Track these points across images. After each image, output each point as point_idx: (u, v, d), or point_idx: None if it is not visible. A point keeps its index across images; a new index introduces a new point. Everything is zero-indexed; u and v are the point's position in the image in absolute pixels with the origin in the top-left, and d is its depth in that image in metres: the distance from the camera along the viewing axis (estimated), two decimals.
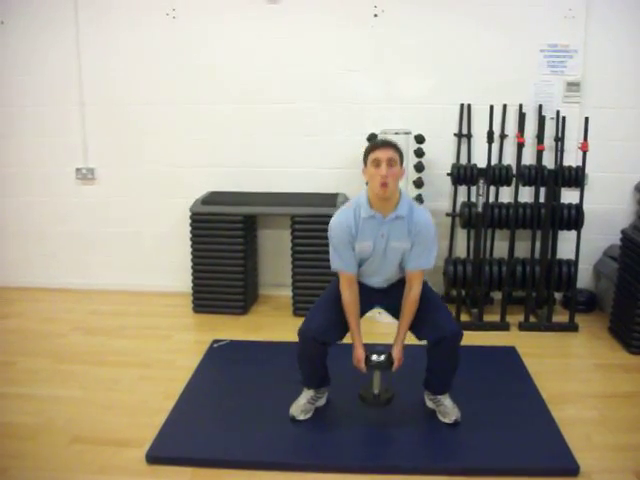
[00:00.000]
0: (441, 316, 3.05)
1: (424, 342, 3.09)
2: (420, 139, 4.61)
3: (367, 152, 2.92)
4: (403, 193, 2.99)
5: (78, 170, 5.07)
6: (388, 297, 3.18)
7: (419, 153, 4.61)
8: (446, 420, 3.13)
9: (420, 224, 2.95)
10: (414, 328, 3.10)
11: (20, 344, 4.20)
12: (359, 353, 3.05)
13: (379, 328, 4.06)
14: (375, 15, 4.64)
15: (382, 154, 2.84)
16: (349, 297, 3.03)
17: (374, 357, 3.04)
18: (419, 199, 4.55)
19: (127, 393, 3.53)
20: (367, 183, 2.96)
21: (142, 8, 4.76)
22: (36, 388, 3.58)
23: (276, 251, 5.05)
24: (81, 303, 4.96)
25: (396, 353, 3.04)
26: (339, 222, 2.98)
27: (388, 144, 2.91)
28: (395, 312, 3.15)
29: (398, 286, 3.11)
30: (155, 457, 2.88)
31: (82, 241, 5.19)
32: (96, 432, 3.12)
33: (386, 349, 3.06)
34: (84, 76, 4.91)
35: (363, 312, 3.17)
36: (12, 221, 5.22)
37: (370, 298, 3.17)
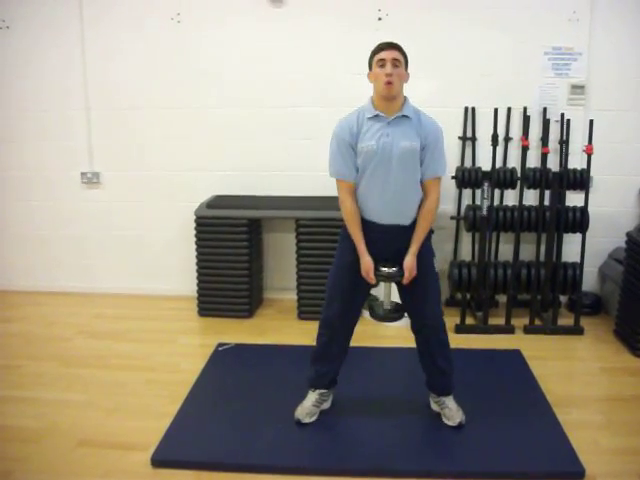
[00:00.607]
0: (425, 304, 3.05)
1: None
2: None
3: (372, 54, 2.91)
4: (408, 98, 2.95)
5: (83, 174, 5.08)
6: (396, 244, 2.98)
7: None
8: (450, 423, 3.12)
9: (429, 126, 2.91)
10: (403, 299, 3.11)
11: (24, 348, 4.20)
12: (367, 262, 2.96)
13: (386, 331, 4.06)
14: (379, 19, 4.64)
15: (387, 54, 2.83)
16: (350, 206, 2.96)
17: (384, 269, 2.96)
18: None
19: (132, 397, 3.53)
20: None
21: (147, 13, 4.78)
22: (41, 392, 3.58)
23: (281, 254, 5.05)
24: (85, 307, 4.97)
25: (407, 263, 2.95)
26: (341, 124, 2.95)
27: (393, 45, 2.89)
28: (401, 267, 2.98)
29: (406, 233, 2.97)
30: (160, 461, 2.88)
31: (87, 245, 5.21)
32: (101, 436, 3.12)
33: (397, 261, 2.96)
34: (89, 80, 4.93)
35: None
36: (17, 225, 5.23)
37: (377, 249, 2.99)
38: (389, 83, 2.81)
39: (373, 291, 3.21)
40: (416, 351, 3.17)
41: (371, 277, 2.98)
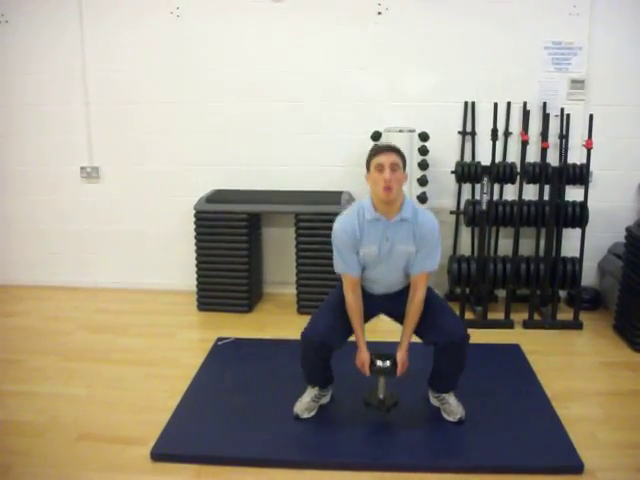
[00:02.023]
0: (448, 320, 3.05)
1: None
2: (424, 137, 4.61)
3: (370, 157, 2.91)
4: (406, 196, 2.98)
5: (83, 169, 5.08)
6: (392, 305, 3.15)
7: (423, 151, 4.60)
8: (450, 418, 3.13)
9: (424, 226, 2.94)
10: (421, 332, 3.08)
11: (26, 342, 4.21)
12: (363, 356, 3.05)
13: (383, 326, 4.06)
14: (379, 13, 4.63)
15: (385, 159, 2.83)
16: (353, 300, 3.02)
17: (379, 362, 3.04)
18: (423, 197, 4.54)
19: (132, 391, 3.54)
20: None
21: (146, 7, 4.77)
22: (42, 386, 3.59)
23: (280, 249, 5.05)
24: (86, 301, 4.98)
25: (400, 357, 3.04)
26: (343, 227, 2.96)
27: (391, 149, 2.91)
28: (400, 319, 3.13)
29: (402, 294, 3.09)
30: (160, 454, 2.90)
31: (87, 239, 5.21)
32: (101, 430, 3.13)
33: (391, 354, 3.06)
34: (88, 75, 4.92)
35: (366, 319, 3.15)
36: (17, 220, 5.24)
37: (374, 306, 3.15)
38: (388, 189, 2.82)
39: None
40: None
41: (365, 370, 3.06)
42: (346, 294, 3.03)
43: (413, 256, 2.97)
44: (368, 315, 3.15)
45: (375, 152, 2.90)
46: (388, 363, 3.03)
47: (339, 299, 3.08)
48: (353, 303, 3.02)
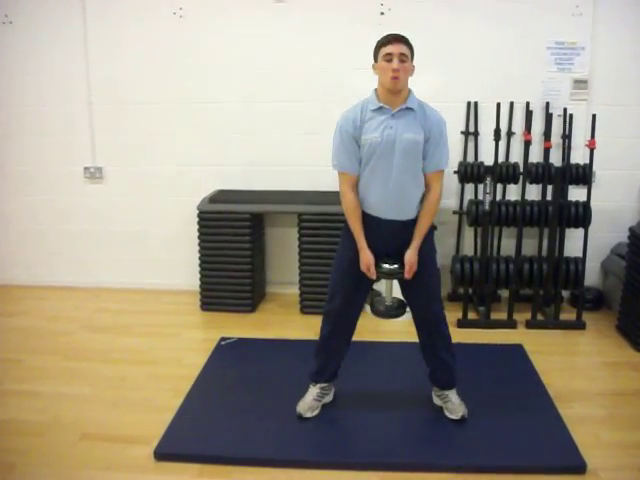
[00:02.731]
0: (429, 300, 3.06)
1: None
2: None
3: (378, 46, 2.87)
4: (412, 91, 2.93)
5: (86, 169, 5.09)
6: (398, 243, 2.97)
7: None
8: (453, 417, 3.13)
9: (432, 118, 2.89)
10: (404, 291, 3.11)
11: (27, 342, 4.21)
12: (367, 257, 2.95)
13: (386, 326, 4.06)
14: (382, 13, 4.64)
15: (394, 48, 2.80)
16: (351, 199, 2.94)
17: (386, 265, 2.93)
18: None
19: (135, 390, 3.54)
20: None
21: (149, 7, 4.78)
22: (43, 386, 3.59)
23: (283, 249, 5.05)
24: (88, 301, 4.99)
25: (409, 257, 2.94)
26: (345, 116, 2.92)
27: (400, 39, 2.85)
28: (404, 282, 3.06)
29: (408, 228, 2.95)
30: (163, 454, 2.90)
31: (89, 240, 5.21)
32: (104, 429, 3.13)
33: (398, 257, 2.94)
34: (91, 75, 4.93)
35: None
36: (20, 220, 5.24)
37: (379, 242, 2.97)
38: (396, 78, 2.79)
39: (376, 286, 3.20)
40: (418, 345, 3.17)
41: (372, 272, 2.96)
42: (344, 193, 2.96)
43: (420, 147, 2.86)
44: (373, 252, 2.98)
45: (384, 42, 2.85)
46: (395, 265, 2.93)
47: (343, 264, 3.05)
48: (351, 203, 2.94)
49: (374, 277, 2.99)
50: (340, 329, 3.13)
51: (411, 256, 2.94)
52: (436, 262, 3.10)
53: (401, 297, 3.15)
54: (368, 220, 2.96)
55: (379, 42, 2.88)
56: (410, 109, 2.87)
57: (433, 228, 3.06)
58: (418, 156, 2.87)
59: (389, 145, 2.83)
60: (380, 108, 2.87)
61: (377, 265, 2.96)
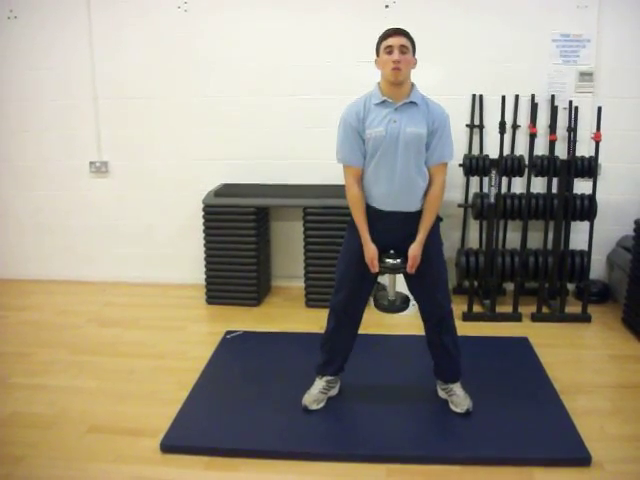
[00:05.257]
0: (435, 292, 3.05)
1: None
2: None
3: (380, 40, 2.89)
4: (415, 85, 2.94)
5: (92, 163, 5.11)
6: (401, 238, 2.96)
7: None
8: (458, 410, 3.13)
9: (436, 112, 2.90)
10: (410, 286, 3.11)
11: (36, 336, 4.24)
12: (371, 250, 2.95)
13: (389, 320, 4.07)
14: (386, 6, 4.63)
15: (395, 41, 2.82)
16: (355, 192, 2.95)
17: (389, 260, 2.94)
18: None
19: (142, 383, 3.56)
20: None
21: (153, 2, 4.79)
22: (52, 379, 3.62)
23: (288, 243, 5.06)
24: (96, 295, 5.01)
25: (413, 251, 2.94)
26: (349, 109, 2.93)
27: (400, 32, 2.87)
28: (409, 277, 3.05)
29: (412, 223, 2.95)
30: (169, 446, 2.91)
31: (95, 234, 5.24)
32: (111, 422, 3.15)
33: (401, 251, 2.95)
34: (97, 70, 4.94)
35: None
36: (27, 214, 5.27)
37: (382, 236, 2.97)
38: (397, 69, 2.80)
39: (381, 279, 3.21)
40: (424, 338, 3.18)
41: (375, 265, 2.97)
42: (349, 187, 2.96)
43: (424, 140, 2.86)
44: (377, 245, 2.99)
45: (384, 35, 2.88)
46: (398, 260, 2.93)
47: (348, 258, 3.06)
48: (356, 196, 2.95)
49: (377, 271, 2.99)
50: (345, 323, 3.14)
51: (415, 250, 2.94)
52: (443, 254, 3.10)
53: (405, 291, 3.15)
54: (372, 213, 2.97)
55: (380, 36, 2.91)
56: (413, 103, 2.87)
57: (439, 220, 3.06)
58: (422, 149, 2.88)
59: (393, 139, 2.84)
60: (383, 102, 2.88)
61: (380, 259, 2.97)
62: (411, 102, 2.87)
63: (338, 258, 3.16)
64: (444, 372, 3.22)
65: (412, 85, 2.92)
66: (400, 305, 3.13)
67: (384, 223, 2.96)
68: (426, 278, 3.03)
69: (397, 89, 2.86)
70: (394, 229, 2.97)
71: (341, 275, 3.11)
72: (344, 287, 3.08)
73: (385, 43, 2.85)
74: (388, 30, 2.89)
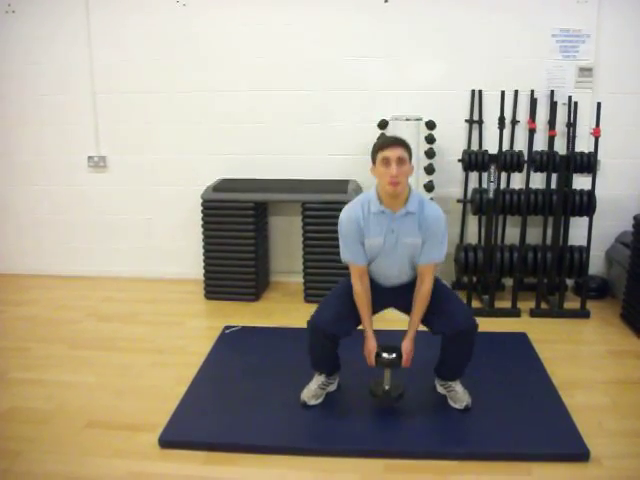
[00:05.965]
0: (456, 309, 3.05)
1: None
2: (431, 125, 4.60)
3: (375, 150, 2.87)
4: (412, 189, 2.96)
5: (90, 158, 5.10)
6: (400, 298, 3.12)
7: (430, 139, 4.59)
8: (457, 406, 3.14)
9: (430, 218, 2.92)
10: (429, 322, 3.08)
11: (34, 331, 4.24)
12: (370, 345, 3.06)
13: (391, 315, 4.06)
14: (386, 1, 4.61)
15: (391, 153, 2.80)
16: (361, 289, 3.01)
17: (384, 354, 3.03)
18: (430, 185, 4.54)
19: (140, 378, 3.56)
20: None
21: None
22: (50, 374, 3.62)
23: (287, 238, 5.06)
24: (94, 290, 5.01)
25: (405, 347, 3.04)
26: (348, 216, 2.96)
27: (397, 142, 2.86)
28: (408, 311, 3.10)
29: (410, 287, 3.07)
30: (168, 441, 2.91)
31: (94, 228, 5.23)
32: (109, 417, 3.15)
33: (397, 346, 3.05)
34: (95, 64, 4.93)
35: (374, 312, 3.14)
36: (25, 209, 5.26)
37: (382, 299, 3.14)
38: (395, 184, 2.80)
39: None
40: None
41: (371, 359, 3.06)
42: (354, 283, 3.03)
43: (419, 248, 2.95)
44: (376, 308, 3.14)
45: (381, 146, 2.85)
46: (394, 355, 3.02)
47: (347, 288, 3.08)
48: (361, 292, 3.02)
49: (373, 365, 3.08)
50: (323, 345, 3.07)
51: (407, 346, 3.04)
52: (445, 284, 3.20)
53: (399, 382, 3.17)
54: (372, 283, 3.10)
55: (376, 145, 2.90)
56: (410, 213, 2.91)
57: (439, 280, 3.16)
58: (417, 252, 2.98)
59: (391, 247, 2.97)
60: (382, 212, 2.91)
61: (377, 354, 3.05)
62: (408, 213, 2.90)
63: (340, 282, 3.19)
64: (445, 373, 3.21)
65: (409, 190, 2.93)
66: (395, 397, 3.14)
67: (382, 289, 3.13)
68: (439, 305, 3.05)
69: (395, 199, 2.89)
70: (391, 293, 3.15)
71: (331, 301, 3.11)
72: (329, 311, 3.04)
73: (382, 154, 2.82)
74: (385, 140, 2.92)
